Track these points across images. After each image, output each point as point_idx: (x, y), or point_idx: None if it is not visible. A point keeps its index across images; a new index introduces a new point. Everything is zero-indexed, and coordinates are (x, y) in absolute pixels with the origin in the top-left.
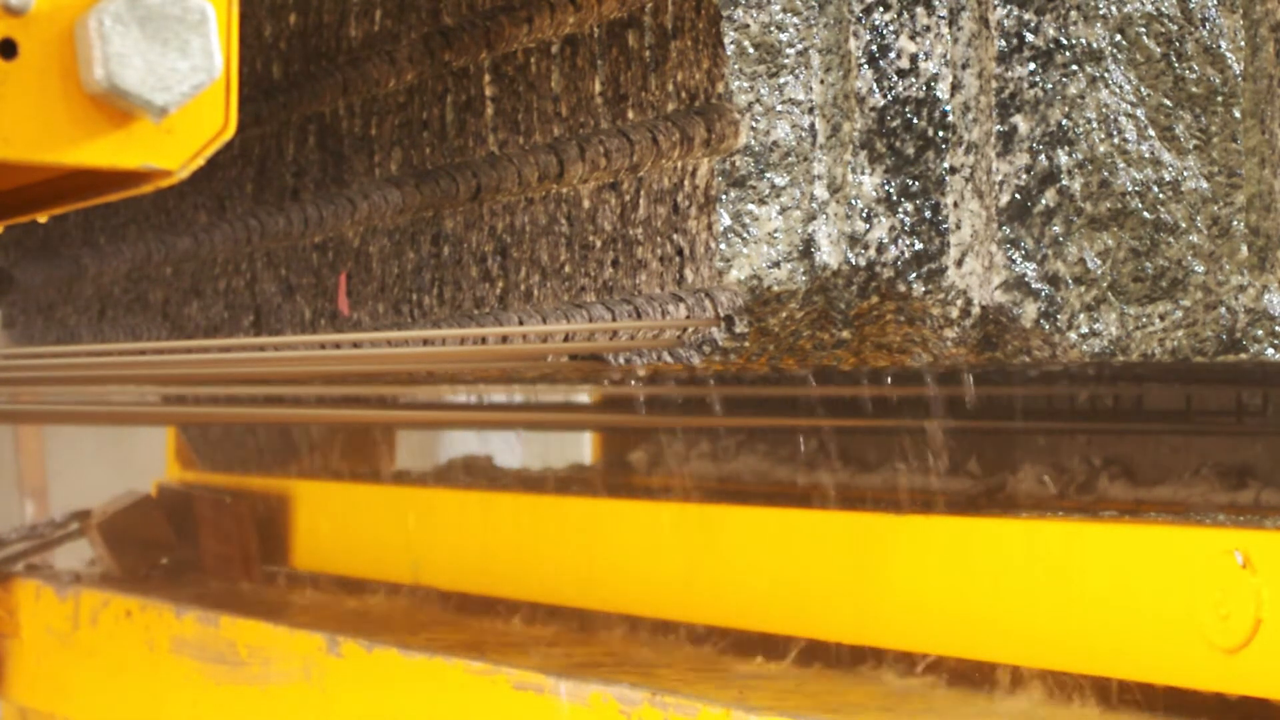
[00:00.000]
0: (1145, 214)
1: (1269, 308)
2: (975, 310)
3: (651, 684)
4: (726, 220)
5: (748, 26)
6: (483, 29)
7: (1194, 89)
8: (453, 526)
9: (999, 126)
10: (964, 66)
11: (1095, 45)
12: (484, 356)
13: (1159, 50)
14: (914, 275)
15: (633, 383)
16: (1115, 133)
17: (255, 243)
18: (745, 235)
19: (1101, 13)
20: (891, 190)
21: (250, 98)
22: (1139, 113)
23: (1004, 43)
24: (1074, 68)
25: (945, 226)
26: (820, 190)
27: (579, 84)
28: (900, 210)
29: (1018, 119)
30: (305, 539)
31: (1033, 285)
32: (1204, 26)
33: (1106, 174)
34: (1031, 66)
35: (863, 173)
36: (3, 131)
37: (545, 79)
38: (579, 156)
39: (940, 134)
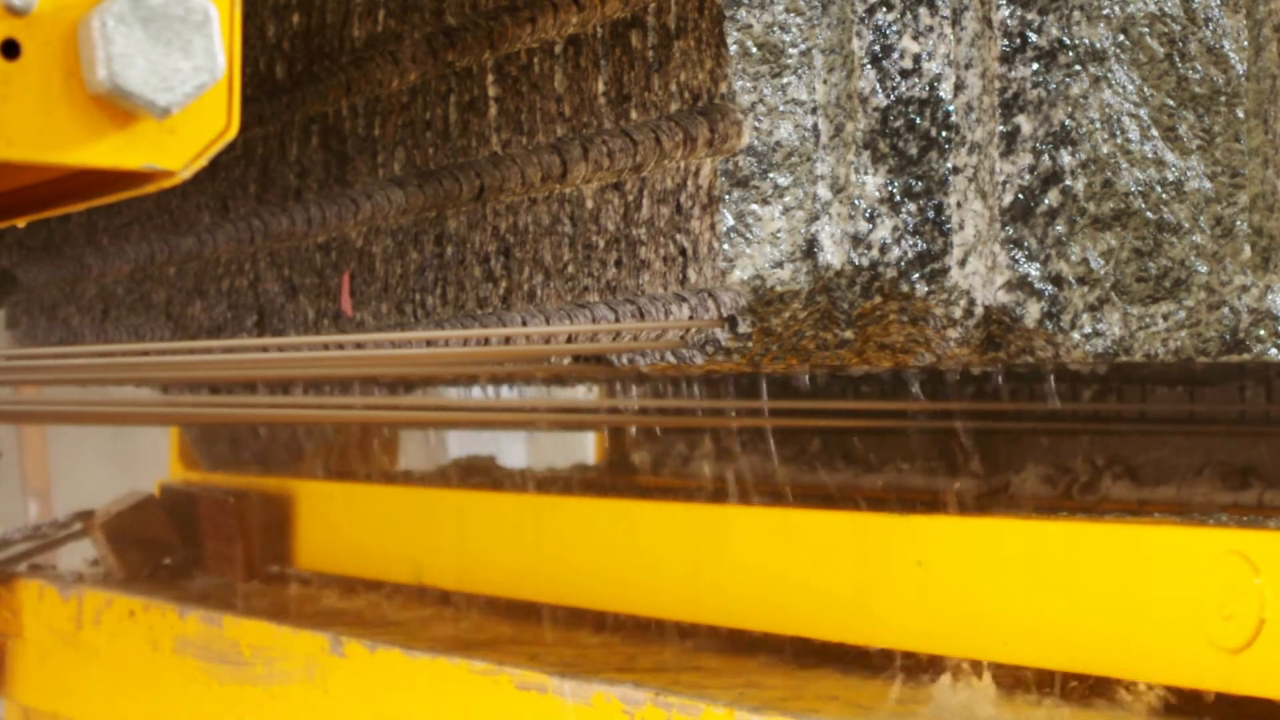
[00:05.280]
0: (1148, 214)
1: (1272, 308)
2: (978, 310)
3: (654, 684)
4: (729, 220)
5: (750, 27)
6: (486, 29)
7: (1197, 89)
8: (456, 527)
9: (1002, 127)
10: (967, 66)
11: (1098, 45)
12: (487, 357)
13: (1162, 50)
14: (917, 275)
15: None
16: (1118, 133)
17: (258, 243)
18: (748, 235)
19: (1104, 13)
20: (894, 190)
21: (253, 98)
22: (1142, 113)
23: (1007, 43)
24: (1077, 68)
25: (948, 227)
26: (823, 190)
27: (582, 84)
28: (903, 210)
29: (1021, 119)
30: (308, 539)
31: (1036, 285)
32: (1207, 26)
33: (1109, 174)
34: (1035, 66)
35: (866, 173)
36: (5, 132)
37: (548, 79)
38: (582, 156)
39: (943, 134)
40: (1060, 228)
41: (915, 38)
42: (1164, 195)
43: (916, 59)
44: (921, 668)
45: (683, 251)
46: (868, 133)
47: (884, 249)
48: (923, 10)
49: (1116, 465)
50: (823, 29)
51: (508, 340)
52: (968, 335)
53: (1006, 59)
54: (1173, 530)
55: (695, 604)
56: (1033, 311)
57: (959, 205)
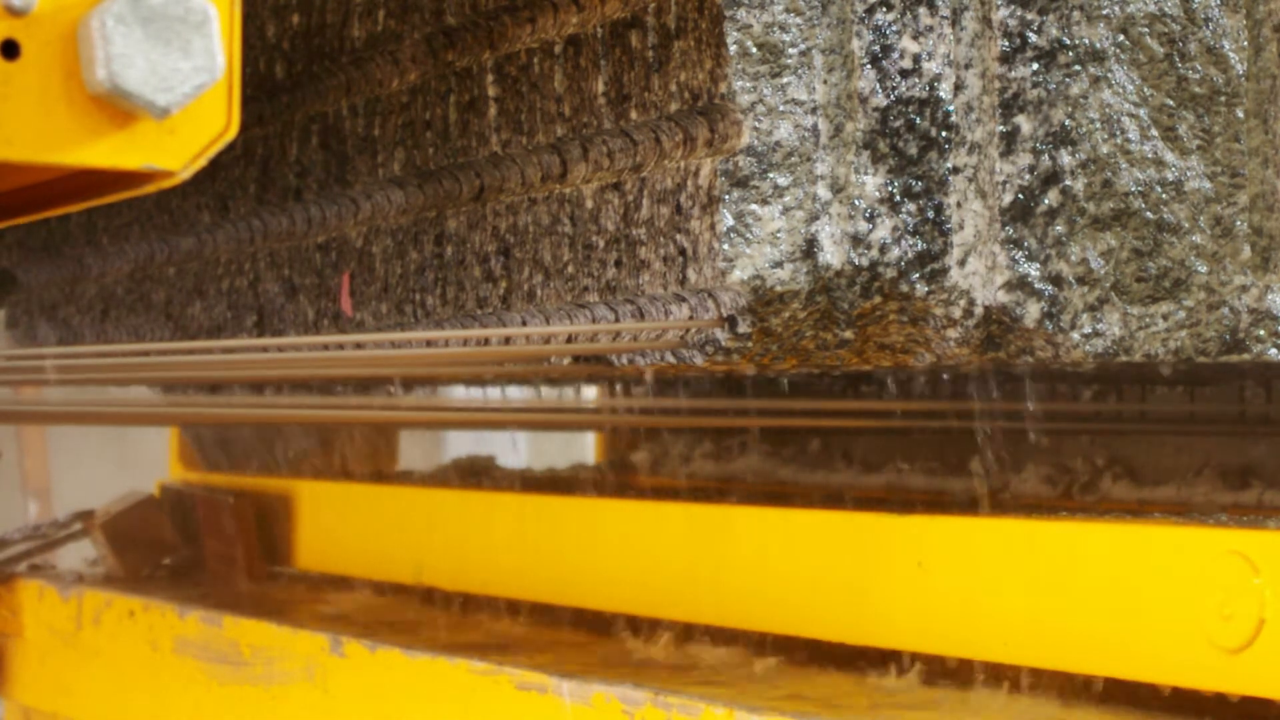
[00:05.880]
0: (1148, 214)
1: (1272, 308)
2: (978, 310)
3: (654, 684)
4: (729, 220)
5: (750, 27)
6: (485, 29)
7: (1197, 89)
8: (456, 526)
9: (1002, 127)
10: (967, 67)
11: (1098, 45)
12: (487, 357)
13: (1162, 50)
14: (917, 275)
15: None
16: (1118, 133)
17: (258, 243)
18: (748, 235)
19: (1104, 13)
20: (894, 190)
21: (253, 98)
22: (1142, 113)
23: (1007, 43)
24: (1077, 68)
25: (948, 227)
26: (823, 190)
27: (582, 84)
28: (903, 210)
29: (1020, 119)
30: (308, 539)
31: (1035, 285)
32: (1207, 26)
33: (1109, 174)
34: (1034, 66)
35: (865, 173)
36: (5, 132)
37: (548, 79)
38: (582, 156)
39: (943, 134)
40: (1060, 228)
41: (915, 38)
42: (1163, 195)
43: (916, 59)
44: (922, 667)
45: (682, 251)
46: (867, 133)
47: (884, 249)
48: (922, 10)
49: (1116, 465)
50: (822, 29)
51: (507, 340)
52: (967, 335)
53: (1006, 59)
54: (1173, 530)
55: (695, 604)
56: (1032, 311)
57: (959, 205)
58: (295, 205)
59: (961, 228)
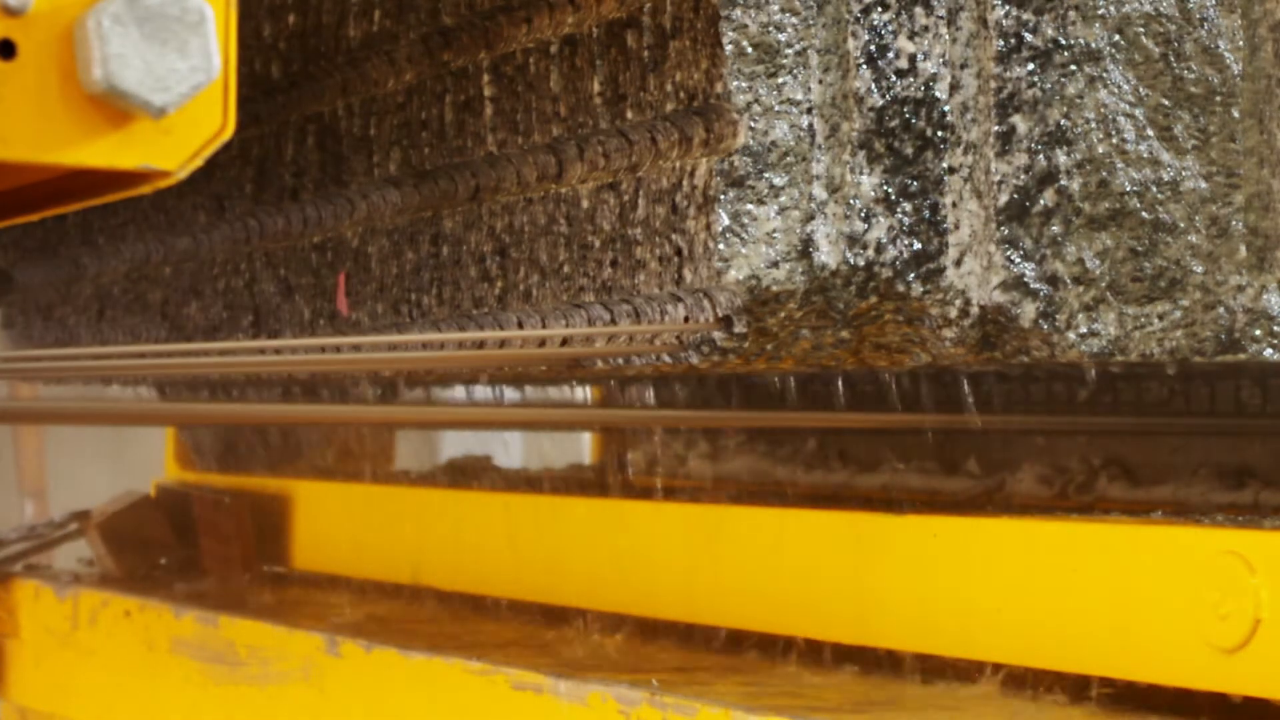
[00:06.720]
0: (1144, 214)
1: (1268, 308)
2: (974, 310)
3: (650, 684)
4: (725, 220)
5: (746, 26)
6: (482, 29)
7: (1193, 89)
8: (452, 526)
9: (998, 126)
10: (962, 66)
11: (1094, 45)
12: (483, 359)
13: (1158, 50)
14: (913, 275)
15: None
16: (1114, 133)
17: (254, 243)
18: (744, 235)
19: (1100, 13)
20: (890, 190)
21: (249, 98)
22: (1138, 112)
23: (1002, 43)
24: (1073, 68)
25: (944, 226)
26: (819, 190)
27: (578, 84)
28: (899, 210)
29: (1016, 119)
30: (304, 539)
31: (1031, 285)
32: (1203, 26)
33: (1105, 174)
34: (1030, 66)
35: (861, 173)
36: (1, 132)
37: (544, 79)
38: (578, 157)
39: (939, 134)
40: (1056, 227)
41: (911, 38)
42: (1160, 195)
43: (912, 59)
44: (920, 667)
45: (678, 251)
46: (863, 132)
47: (879, 249)
48: (918, 10)
49: (1112, 465)
50: (818, 29)
51: (503, 344)
52: (963, 335)
53: (1002, 59)
54: (1169, 530)
55: (694, 604)
56: (1028, 311)
57: (954, 205)
58: (291, 205)
59: (957, 227)
